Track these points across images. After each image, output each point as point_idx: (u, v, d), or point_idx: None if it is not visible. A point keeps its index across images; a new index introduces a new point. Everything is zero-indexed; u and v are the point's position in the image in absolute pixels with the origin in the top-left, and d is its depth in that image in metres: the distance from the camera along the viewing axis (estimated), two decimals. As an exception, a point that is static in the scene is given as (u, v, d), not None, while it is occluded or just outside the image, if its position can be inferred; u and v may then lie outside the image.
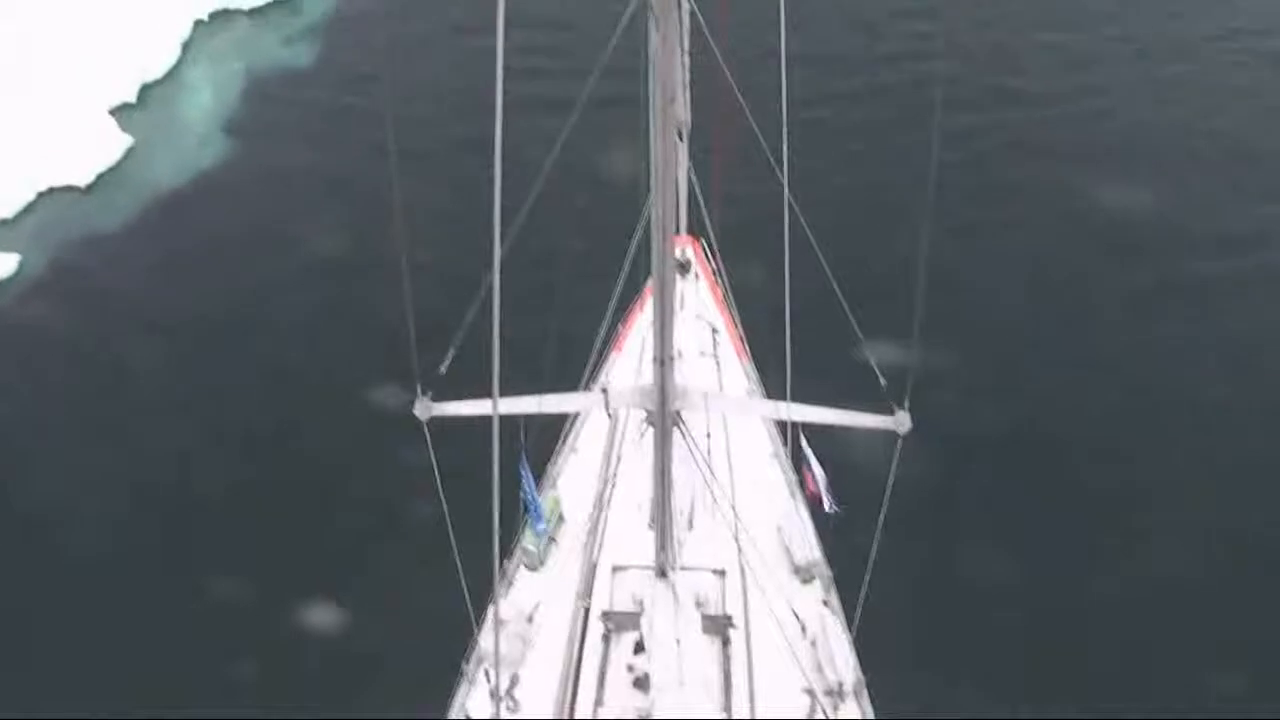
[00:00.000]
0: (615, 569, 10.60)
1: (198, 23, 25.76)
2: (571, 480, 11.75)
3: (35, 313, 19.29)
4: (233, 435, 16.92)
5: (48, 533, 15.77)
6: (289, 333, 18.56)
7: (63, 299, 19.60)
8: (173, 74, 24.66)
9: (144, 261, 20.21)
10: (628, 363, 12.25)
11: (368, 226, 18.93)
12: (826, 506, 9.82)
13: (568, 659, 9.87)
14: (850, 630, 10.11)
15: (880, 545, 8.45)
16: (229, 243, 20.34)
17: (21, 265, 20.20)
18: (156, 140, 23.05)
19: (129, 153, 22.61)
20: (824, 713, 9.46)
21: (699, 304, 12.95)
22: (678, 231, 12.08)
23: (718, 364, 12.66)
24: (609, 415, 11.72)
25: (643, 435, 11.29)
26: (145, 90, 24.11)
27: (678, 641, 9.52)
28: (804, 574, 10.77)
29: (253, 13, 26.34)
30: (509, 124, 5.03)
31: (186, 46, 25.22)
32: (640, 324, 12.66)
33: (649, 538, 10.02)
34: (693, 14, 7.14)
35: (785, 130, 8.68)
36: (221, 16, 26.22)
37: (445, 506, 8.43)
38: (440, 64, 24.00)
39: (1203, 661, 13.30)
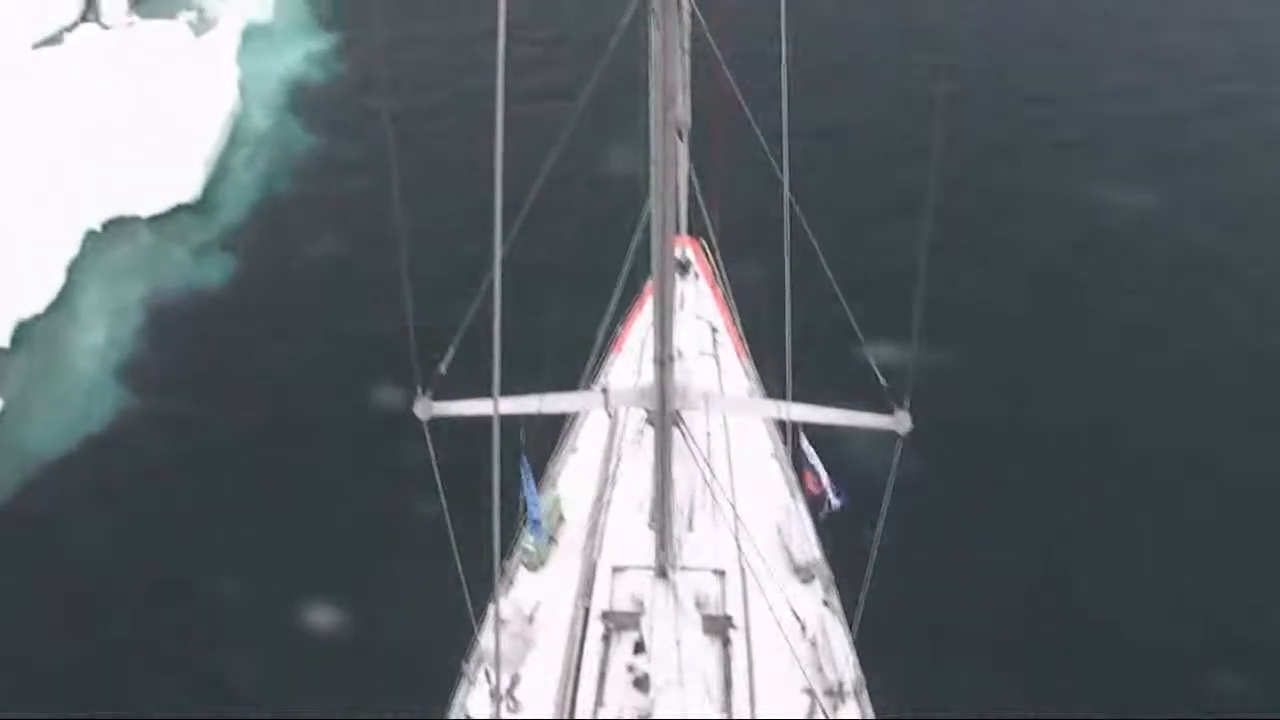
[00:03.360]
0: (615, 569, 10.61)
1: (88, 235, 20.50)
2: (571, 480, 11.76)
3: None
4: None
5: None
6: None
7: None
8: (57, 305, 19.16)
9: (19, 566, 15.36)
10: (628, 362, 12.26)
11: (293, 492, 15.69)
12: (832, 504, 9.80)
13: (568, 659, 9.88)
14: (850, 630, 10.11)
15: (880, 545, 8.44)
16: (125, 536, 15.56)
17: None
18: (35, 396, 17.77)
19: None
20: (824, 713, 9.46)
21: (699, 304, 12.97)
22: (678, 231, 12.10)
23: (718, 364, 12.67)
24: (609, 415, 11.74)
25: (643, 435, 11.33)
26: (22, 330, 18.64)
27: (678, 642, 9.52)
28: (804, 574, 10.77)
29: (155, 220, 21.01)
30: (509, 124, 5.03)
31: (74, 267, 19.83)
32: (640, 324, 12.67)
33: (649, 538, 10.02)
34: (693, 14, 7.15)
35: (785, 130, 8.68)
36: (117, 226, 20.89)
37: (445, 506, 8.43)
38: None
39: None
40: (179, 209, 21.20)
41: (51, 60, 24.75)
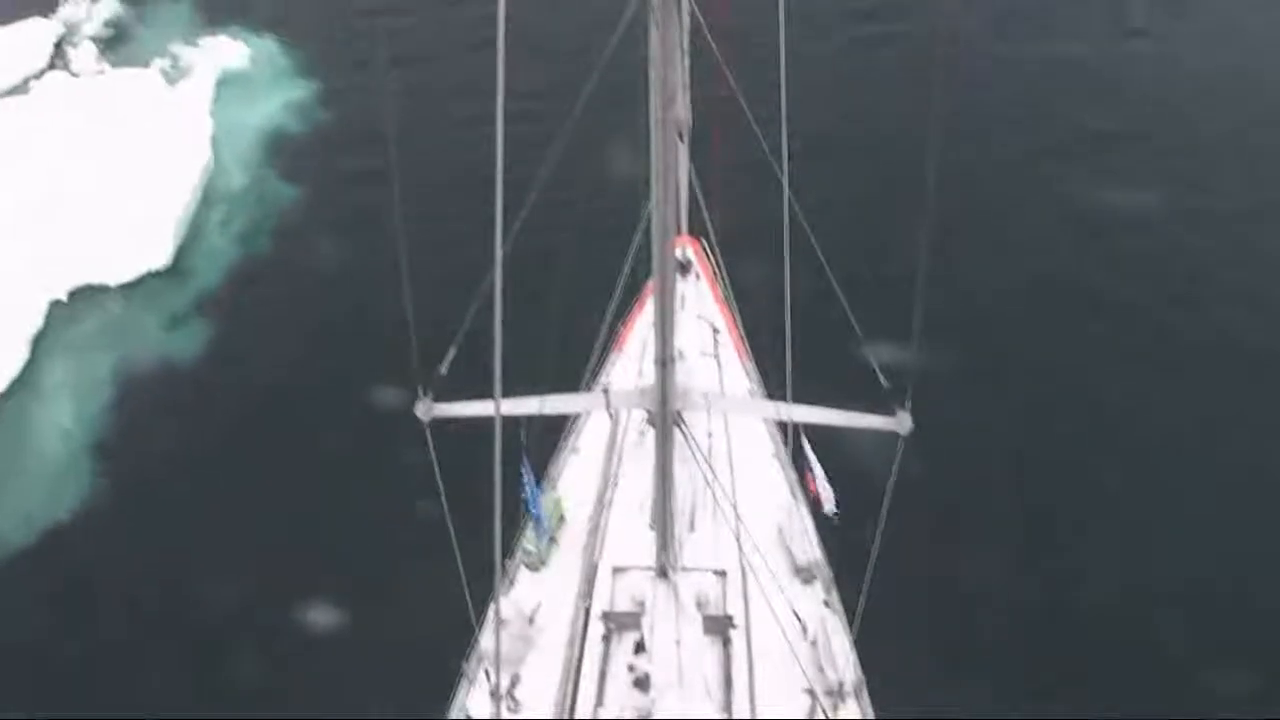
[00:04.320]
0: (616, 569, 10.61)
1: (54, 305, 19.15)
2: (573, 481, 11.76)
3: None
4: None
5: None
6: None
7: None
8: (20, 382, 17.91)
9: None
10: (628, 363, 12.27)
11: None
12: (826, 508, 9.82)
13: (568, 659, 9.88)
14: (851, 630, 10.11)
15: (880, 545, 8.45)
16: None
17: None
18: (-2, 480, 16.45)
19: (-39, 503, 16.01)
20: (824, 713, 9.46)
21: (699, 304, 12.97)
22: (678, 232, 12.09)
23: (718, 364, 12.66)
24: (610, 416, 11.74)
25: (644, 435, 11.34)
26: (-19, 409, 17.30)
27: (678, 642, 9.54)
28: (805, 574, 10.78)
29: (125, 288, 19.58)
30: (509, 125, 5.04)
31: (38, 341, 18.47)
32: (641, 324, 12.69)
33: (650, 538, 10.03)
34: (693, 14, 7.15)
35: (785, 130, 8.69)
36: (84, 295, 19.46)
37: (446, 507, 8.44)
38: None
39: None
40: (150, 276, 19.76)
41: (15, 112, 23.19)
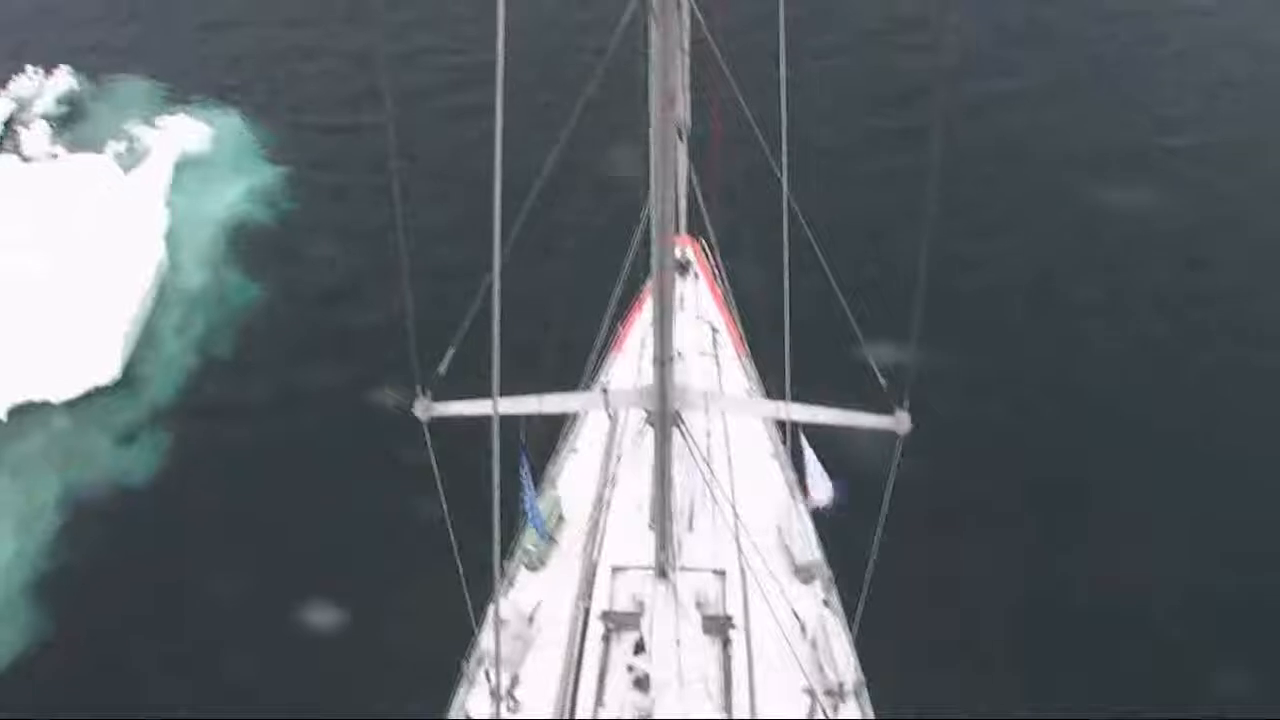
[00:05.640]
0: (615, 569, 10.61)
1: None
2: (571, 480, 11.76)
3: None
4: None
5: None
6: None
7: None
8: None
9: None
10: (628, 362, 12.26)
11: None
12: (829, 499, 9.80)
13: (568, 659, 9.88)
14: (850, 630, 10.11)
15: (880, 545, 8.44)
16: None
17: None
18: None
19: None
20: (824, 713, 9.45)
21: (699, 304, 12.97)
22: (677, 231, 12.10)
23: (718, 364, 12.66)
24: (609, 415, 11.74)
25: (643, 435, 11.33)
26: (-84, 545, 15.57)
27: (678, 642, 9.53)
28: (804, 574, 10.77)
29: (71, 405, 17.68)
30: (509, 124, 5.04)
31: None
32: (640, 324, 12.69)
33: (649, 538, 10.03)
34: (693, 14, 7.15)
35: (785, 129, 8.68)
36: (26, 413, 17.62)
37: (445, 506, 8.43)
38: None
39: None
40: (97, 391, 17.83)
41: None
